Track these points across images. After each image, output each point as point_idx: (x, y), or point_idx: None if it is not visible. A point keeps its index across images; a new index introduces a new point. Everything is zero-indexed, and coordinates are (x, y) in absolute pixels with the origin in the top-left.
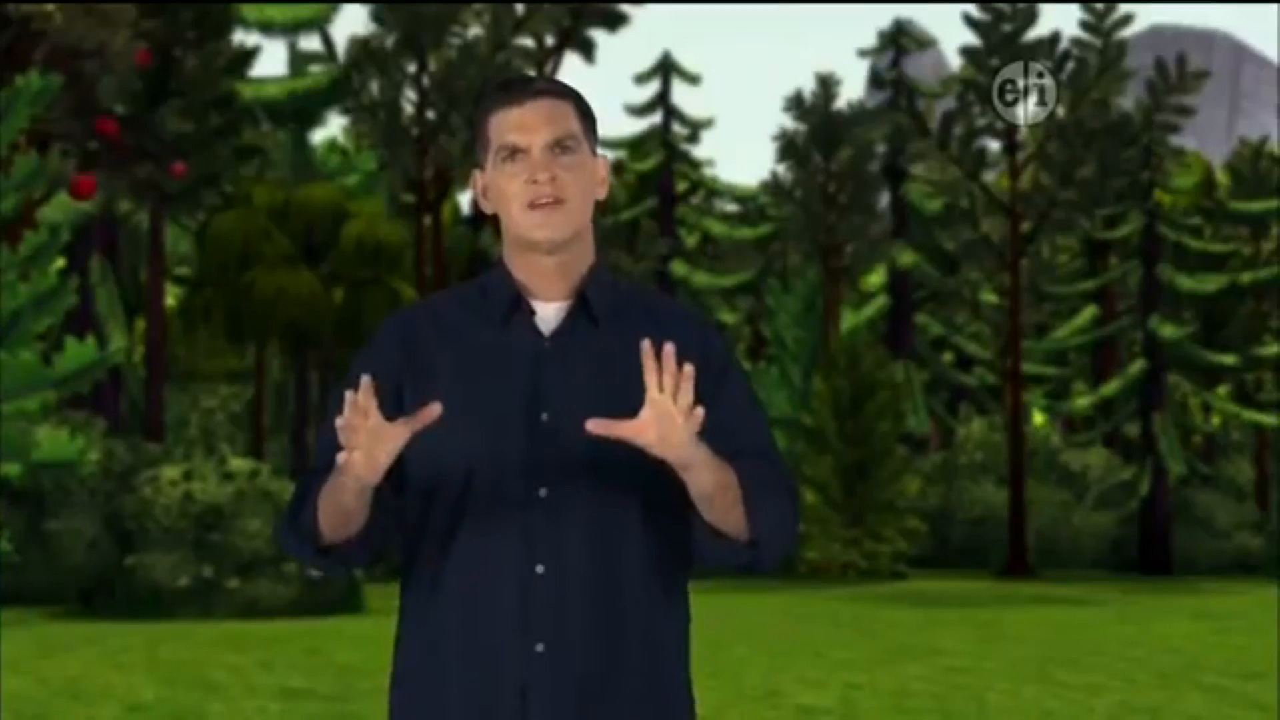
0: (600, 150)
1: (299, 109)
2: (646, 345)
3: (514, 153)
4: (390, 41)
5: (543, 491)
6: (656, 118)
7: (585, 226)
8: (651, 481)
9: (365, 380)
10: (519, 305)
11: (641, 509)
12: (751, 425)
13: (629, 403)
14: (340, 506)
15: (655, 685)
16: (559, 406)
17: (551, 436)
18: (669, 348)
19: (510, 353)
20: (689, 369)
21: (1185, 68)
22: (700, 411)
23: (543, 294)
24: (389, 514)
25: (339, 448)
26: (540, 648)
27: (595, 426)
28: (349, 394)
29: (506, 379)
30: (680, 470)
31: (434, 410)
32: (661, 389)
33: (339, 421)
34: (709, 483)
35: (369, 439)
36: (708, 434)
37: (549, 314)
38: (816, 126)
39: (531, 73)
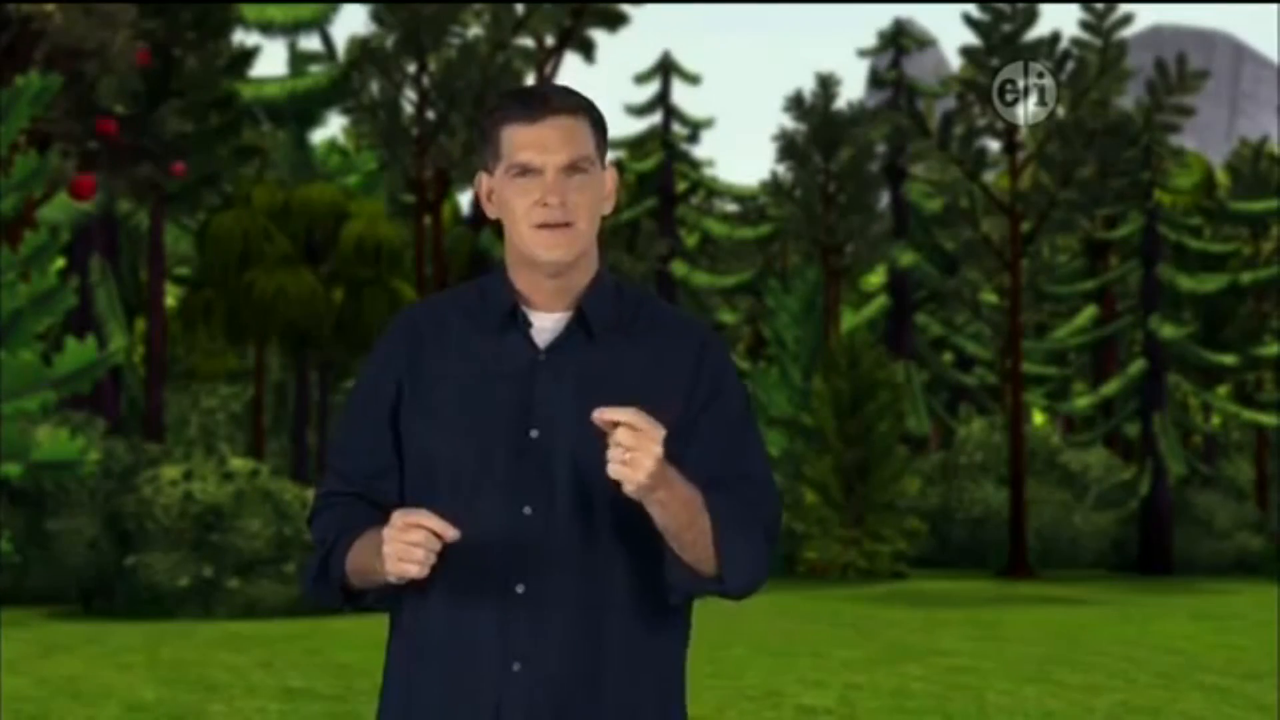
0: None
1: (299, 109)
2: (597, 415)
3: (526, 171)
4: (390, 41)
5: (527, 509)
6: (656, 118)
7: (591, 244)
8: (638, 504)
9: (441, 526)
10: (515, 315)
11: (627, 530)
12: (739, 450)
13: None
14: (375, 576)
15: (636, 707)
16: (548, 423)
17: (539, 453)
18: (602, 414)
19: (504, 364)
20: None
21: (1185, 68)
22: (654, 438)
23: (541, 305)
24: None
25: (358, 475)
26: (517, 666)
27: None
28: (425, 521)
29: (499, 390)
30: (644, 502)
31: (451, 534)
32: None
33: (395, 534)
34: (671, 518)
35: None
36: (690, 457)
37: (546, 325)
38: (816, 126)
39: (530, 74)
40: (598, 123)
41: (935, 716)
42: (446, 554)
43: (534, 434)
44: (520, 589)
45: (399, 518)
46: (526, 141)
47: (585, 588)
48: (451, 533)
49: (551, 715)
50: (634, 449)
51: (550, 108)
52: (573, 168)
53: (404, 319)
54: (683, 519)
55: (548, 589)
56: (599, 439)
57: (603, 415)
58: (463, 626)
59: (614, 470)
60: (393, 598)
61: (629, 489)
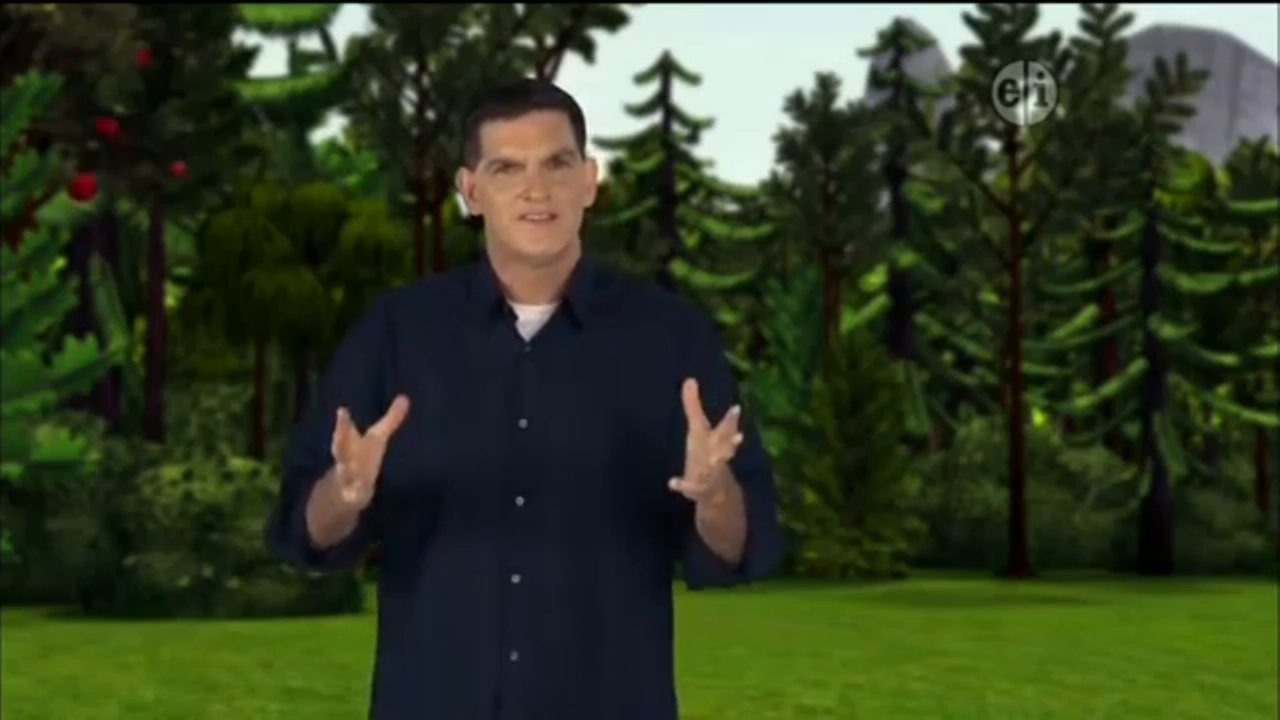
0: (600, 151)
1: (299, 109)
2: (689, 388)
3: (507, 166)
4: (390, 41)
5: (519, 500)
6: (656, 118)
7: (574, 236)
8: (631, 490)
9: (341, 415)
10: (501, 308)
11: (620, 518)
12: (744, 439)
13: (609, 409)
14: (332, 520)
15: (633, 696)
16: (537, 413)
17: (529, 443)
18: (691, 390)
19: (490, 356)
20: (734, 411)
21: (1185, 68)
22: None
23: (526, 297)
24: (373, 521)
25: (324, 443)
26: (515, 657)
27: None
28: (339, 416)
29: (486, 383)
30: (700, 501)
31: (402, 405)
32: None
33: (336, 453)
34: (722, 515)
35: (359, 464)
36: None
37: (531, 317)
38: (816, 126)
39: (530, 74)
40: (577, 116)
41: (935, 716)
42: (439, 547)
43: (523, 424)
44: (516, 579)
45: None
46: (507, 136)
47: (580, 574)
48: (400, 404)
49: (551, 702)
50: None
51: (530, 102)
52: (554, 161)
53: (388, 303)
54: (729, 516)
55: (543, 578)
56: (587, 426)
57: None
58: (459, 619)
59: (696, 478)
60: (354, 554)
61: (692, 493)
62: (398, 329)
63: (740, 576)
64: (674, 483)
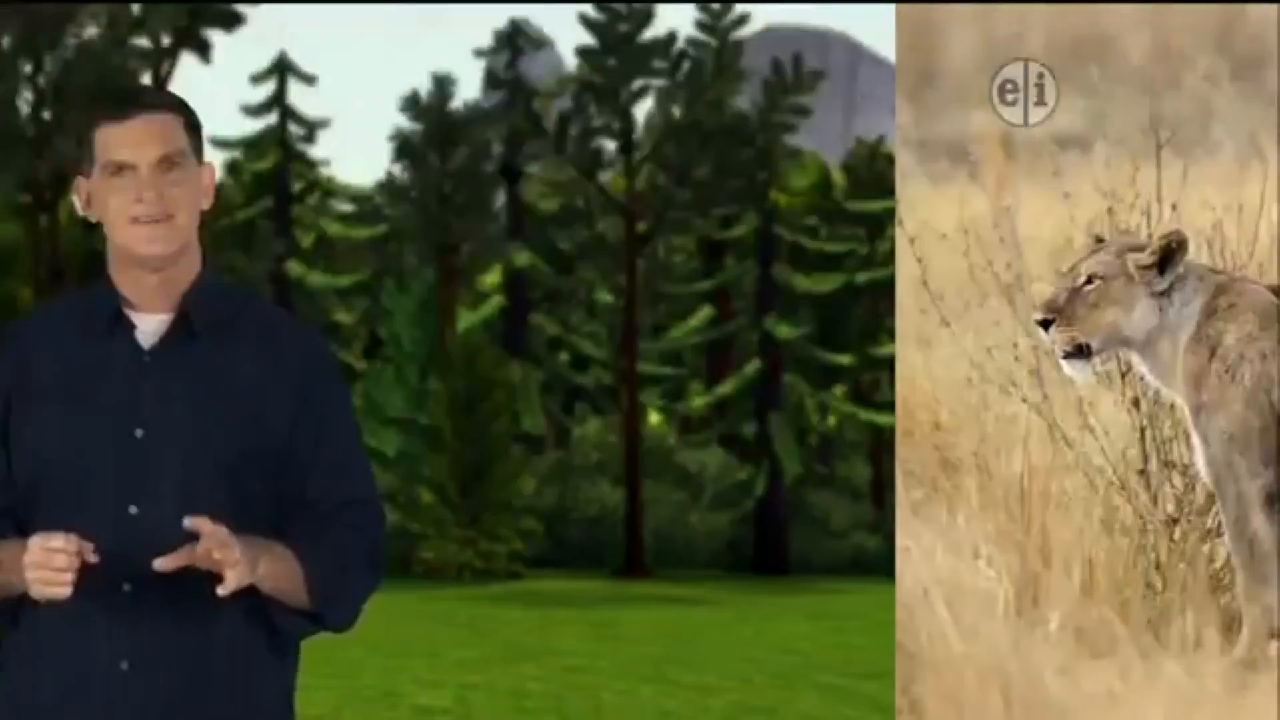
0: (216, 151)
1: None
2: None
3: (121, 169)
4: (5, 42)
5: (133, 508)
6: (273, 118)
7: (191, 239)
8: (242, 504)
9: (72, 542)
10: (120, 319)
11: (238, 528)
12: (345, 468)
13: (226, 418)
14: (3, 590)
15: (245, 702)
16: (154, 421)
17: (144, 453)
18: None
19: (108, 367)
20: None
21: (801, 68)
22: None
23: (145, 306)
24: None
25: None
26: (124, 665)
27: (190, 524)
28: (66, 545)
29: (103, 393)
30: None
31: (89, 552)
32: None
33: (38, 559)
34: (274, 583)
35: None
36: (295, 471)
37: (150, 327)
38: (432, 126)
39: (147, 74)
40: (191, 119)
41: (552, 716)
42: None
43: (139, 434)
44: (127, 588)
45: (38, 543)
46: (118, 140)
47: (192, 585)
48: (89, 551)
49: (162, 710)
50: (226, 562)
51: (139, 104)
52: (167, 162)
53: (9, 332)
54: (283, 581)
55: (155, 588)
56: (202, 438)
57: (195, 524)
58: (72, 626)
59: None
60: (12, 606)
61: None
62: (22, 356)
63: (324, 626)
64: (220, 588)
